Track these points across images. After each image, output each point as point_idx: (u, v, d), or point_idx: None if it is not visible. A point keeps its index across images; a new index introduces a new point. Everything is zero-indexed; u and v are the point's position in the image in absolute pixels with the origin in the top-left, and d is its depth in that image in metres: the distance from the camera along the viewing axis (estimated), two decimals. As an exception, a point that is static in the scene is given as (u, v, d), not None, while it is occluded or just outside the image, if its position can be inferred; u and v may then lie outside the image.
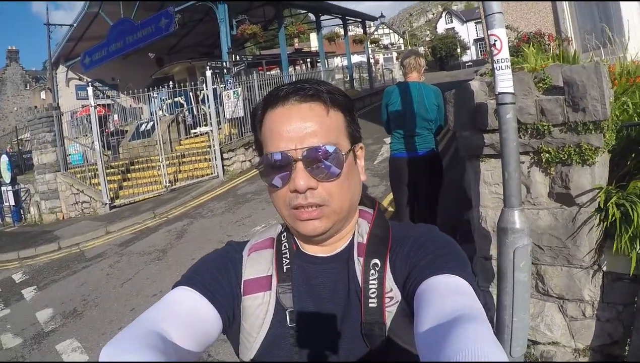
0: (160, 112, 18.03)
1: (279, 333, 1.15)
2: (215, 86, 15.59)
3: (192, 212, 12.22)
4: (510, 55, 4.60)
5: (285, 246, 1.25)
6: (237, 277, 1.22)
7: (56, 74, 23.96)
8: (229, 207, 11.69)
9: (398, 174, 5.32)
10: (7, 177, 18.94)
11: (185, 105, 18.52)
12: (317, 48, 30.20)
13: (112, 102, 23.46)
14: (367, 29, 30.87)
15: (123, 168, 16.42)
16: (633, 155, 3.83)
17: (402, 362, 1.11)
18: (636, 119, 4.00)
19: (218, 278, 1.19)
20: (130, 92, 17.90)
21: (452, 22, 70.56)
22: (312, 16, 26.72)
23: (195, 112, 17.96)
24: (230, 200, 12.34)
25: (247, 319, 1.18)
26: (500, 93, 3.15)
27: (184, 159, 16.24)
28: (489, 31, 3.20)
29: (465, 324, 0.83)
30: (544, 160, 3.61)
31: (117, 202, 14.86)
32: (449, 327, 0.83)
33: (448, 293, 0.97)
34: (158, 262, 8.97)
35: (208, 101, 15.28)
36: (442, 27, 71.66)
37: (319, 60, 28.41)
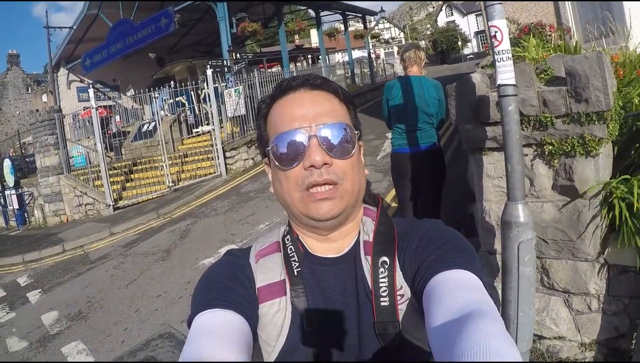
0: (162, 112, 18.09)
1: (297, 339, 1.12)
2: (216, 85, 15.62)
3: (196, 212, 12.23)
4: (511, 47, 4.58)
5: (291, 249, 1.22)
6: (250, 282, 1.17)
7: (57, 76, 24.00)
8: (232, 206, 11.69)
9: (400, 170, 5.28)
10: (10, 181, 19.00)
11: (186, 105, 18.51)
12: (317, 44, 30.23)
13: (114, 103, 23.47)
14: (368, 23, 30.88)
15: (126, 169, 16.45)
16: (637, 145, 3.79)
17: (418, 362, 1.10)
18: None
19: (233, 287, 1.14)
20: (132, 93, 17.85)
21: (452, 15, 70.30)
22: (312, 12, 26.70)
23: (197, 112, 17.96)
24: (234, 198, 12.34)
25: (263, 328, 1.14)
26: (501, 85, 3.11)
27: (186, 159, 16.26)
28: (489, 22, 3.16)
29: (477, 320, 0.83)
30: (547, 152, 3.57)
31: (121, 203, 14.90)
32: (461, 323, 0.84)
33: (458, 289, 0.97)
34: (162, 262, 8.96)
35: (209, 100, 15.27)
36: (442, 20, 71.45)
37: (319, 57, 28.39)
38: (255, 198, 11.66)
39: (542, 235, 3.70)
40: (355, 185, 1.16)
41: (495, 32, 3.11)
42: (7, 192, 19.03)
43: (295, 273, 1.16)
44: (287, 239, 1.24)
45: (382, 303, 1.11)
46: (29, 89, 56.96)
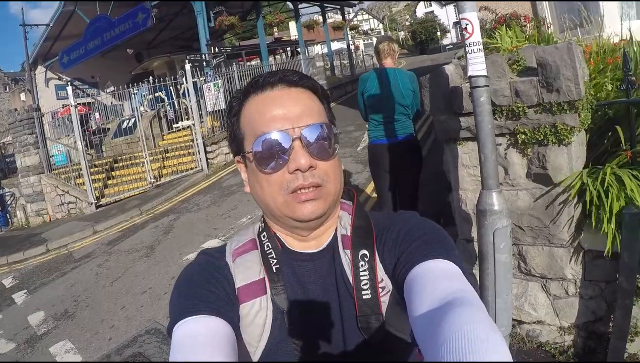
0: (141, 108, 17.92)
1: (279, 337, 1.10)
2: (195, 79, 15.57)
3: (178, 207, 12.23)
4: (487, 37, 4.64)
5: (268, 246, 1.18)
6: (229, 283, 1.13)
7: (35, 74, 23.72)
8: (214, 200, 11.72)
9: (378, 161, 5.32)
10: (-9, 182, 18.79)
11: (166, 100, 18.38)
12: (296, 37, 30.06)
13: (93, 100, 23.25)
14: (346, 15, 30.74)
15: (107, 166, 16.33)
16: (610, 133, 3.87)
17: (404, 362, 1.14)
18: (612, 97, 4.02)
19: (213, 290, 1.09)
20: (111, 89, 17.69)
21: (431, 5, 70.18)
22: (290, 5, 26.55)
23: (176, 107, 17.90)
24: (216, 193, 12.36)
25: (245, 328, 1.10)
26: (473, 76, 3.16)
27: (167, 154, 16.23)
28: (460, 15, 3.21)
29: (459, 307, 0.84)
30: (520, 142, 3.63)
31: (103, 201, 14.81)
32: (444, 311, 0.85)
33: (439, 278, 0.99)
34: (146, 258, 8.97)
35: (189, 95, 15.24)
36: (421, 11, 71.24)
37: (299, 49, 28.31)
38: (237, 192, 11.66)
39: (518, 223, 3.77)
40: (338, 185, 1.15)
41: (467, 24, 3.16)
42: (-12, 194, 18.80)
43: (274, 271, 1.14)
44: (264, 236, 1.21)
45: (364, 297, 1.11)
46: (7, 88, 56.15)
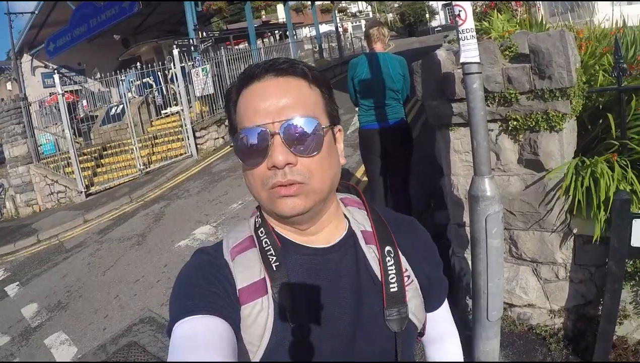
0: (129, 95, 17.80)
1: (282, 336, 1.07)
2: (183, 64, 15.42)
3: (168, 194, 12.21)
4: (478, 21, 4.62)
5: (266, 242, 1.15)
6: (229, 283, 1.09)
7: (21, 63, 23.51)
8: (204, 186, 11.70)
9: (369, 146, 5.34)
10: (-22, 174, 18.58)
11: (154, 86, 18.21)
12: (284, 19, 29.92)
13: (80, 88, 23.07)
14: (334, -3, 30.60)
15: (96, 154, 16.24)
16: (601, 120, 3.89)
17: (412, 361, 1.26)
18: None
19: (213, 290, 1.07)
20: (98, 76, 17.53)
21: (419, -14, 69.92)
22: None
23: (164, 92, 17.75)
24: (206, 178, 12.35)
25: (246, 329, 1.07)
26: (465, 63, 3.16)
27: (156, 141, 16.14)
28: (453, 1, 3.21)
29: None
30: (512, 128, 3.64)
31: (93, 189, 14.74)
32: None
33: (441, 323, 1.41)
34: (138, 247, 8.97)
35: (177, 80, 15.11)
36: (410, -8, 71.01)
37: (287, 32, 28.16)
38: (227, 178, 11.67)
39: (510, 208, 3.80)
40: (325, 181, 1.10)
41: (460, 11, 3.15)
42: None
43: (275, 269, 1.10)
44: (261, 232, 1.18)
45: (392, 289, 1.14)
46: (-8, 77, 55.47)
